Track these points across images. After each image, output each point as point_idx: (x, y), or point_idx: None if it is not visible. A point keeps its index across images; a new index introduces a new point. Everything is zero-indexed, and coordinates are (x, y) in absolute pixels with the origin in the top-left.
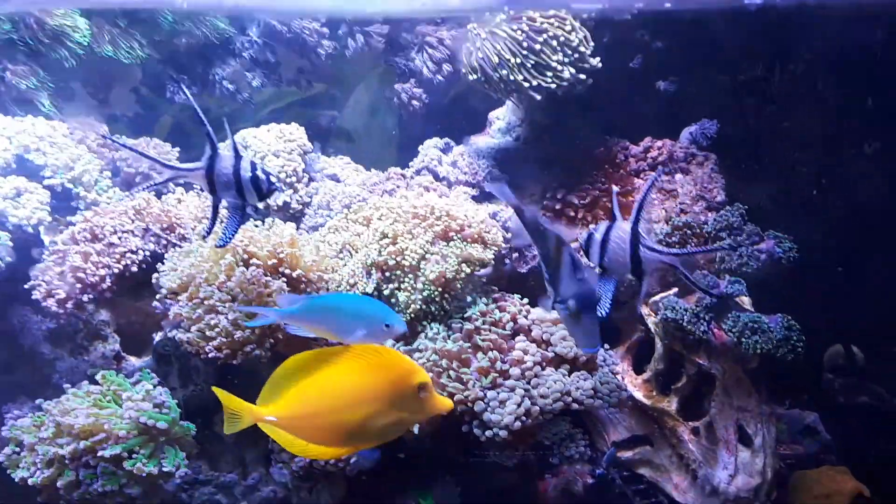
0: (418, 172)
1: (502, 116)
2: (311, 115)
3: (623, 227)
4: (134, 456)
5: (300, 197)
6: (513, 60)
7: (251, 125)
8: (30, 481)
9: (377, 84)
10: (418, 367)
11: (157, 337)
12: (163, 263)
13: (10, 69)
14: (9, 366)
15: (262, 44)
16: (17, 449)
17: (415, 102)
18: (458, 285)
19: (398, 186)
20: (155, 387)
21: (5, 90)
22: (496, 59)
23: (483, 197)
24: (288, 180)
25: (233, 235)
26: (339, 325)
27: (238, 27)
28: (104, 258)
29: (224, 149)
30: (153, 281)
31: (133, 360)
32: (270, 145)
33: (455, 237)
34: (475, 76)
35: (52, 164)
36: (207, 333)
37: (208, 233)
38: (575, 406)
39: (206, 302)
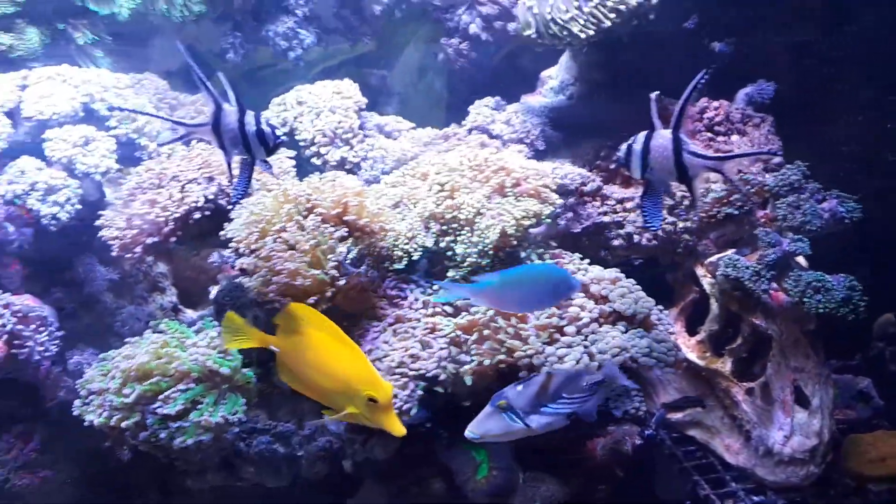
0: (472, 130)
1: (555, 75)
2: (362, 74)
3: (663, 135)
4: (199, 406)
5: (355, 153)
6: (569, 12)
7: (303, 83)
8: (96, 423)
9: (427, 43)
10: (382, 383)
11: (213, 291)
12: (225, 214)
13: (70, 23)
14: (73, 313)
15: (316, 1)
16: (89, 396)
17: (461, 60)
18: (514, 241)
19: (453, 144)
20: (217, 335)
21: (65, 44)
22: (550, 13)
23: (537, 155)
24: (344, 136)
25: (244, 191)
26: (531, 296)
27: None
28: (169, 205)
29: (228, 104)
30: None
31: (189, 313)
32: (327, 101)
33: (511, 192)
34: (529, 31)
35: (117, 113)
36: (272, 282)
37: (234, 200)
38: (630, 363)
39: (268, 250)
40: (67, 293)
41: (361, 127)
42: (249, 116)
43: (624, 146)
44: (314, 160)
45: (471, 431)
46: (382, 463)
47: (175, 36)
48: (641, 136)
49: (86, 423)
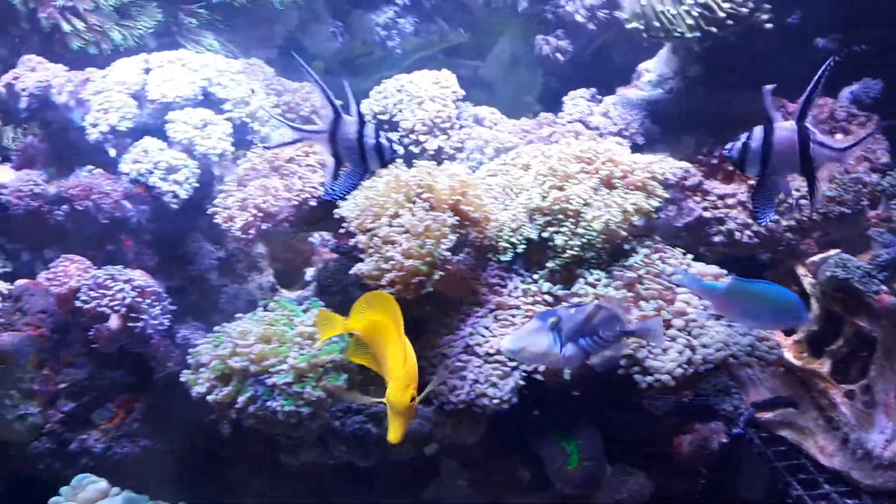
0: (569, 122)
1: (652, 69)
2: (455, 65)
3: (786, 126)
4: (304, 379)
5: (452, 142)
6: (680, 6)
7: (396, 72)
8: (208, 398)
9: (521, 35)
10: (401, 390)
11: (308, 272)
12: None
13: (182, 8)
14: (181, 289)
15: None
16: (197, 368)
17: (558, 55)
18: (622, 234)
19: (552, 133)
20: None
21: (177, 29)
22: (660, 6)
23: (635, 149)
24: (442, 125)
25: (345, 194)
26: (754, 311)
27: None
28: (283, 189)
29: (348, 114)
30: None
31: (284, 293)
32: (427, 90)
33: (618, 184)
34: (636, 23)
35: (233, 97)
36: (382, 266)
37: (328, 194)
38: (732, 360)
39: (380, 234)
40: (176, 270)
41: (458, 117)
42: (369, 129)
43: (738, 143)
44: (412, 148)
45: (511, 343)
46: (469, 447)
47: (276, 23)
48: (759, 130)
49: (194, 395)
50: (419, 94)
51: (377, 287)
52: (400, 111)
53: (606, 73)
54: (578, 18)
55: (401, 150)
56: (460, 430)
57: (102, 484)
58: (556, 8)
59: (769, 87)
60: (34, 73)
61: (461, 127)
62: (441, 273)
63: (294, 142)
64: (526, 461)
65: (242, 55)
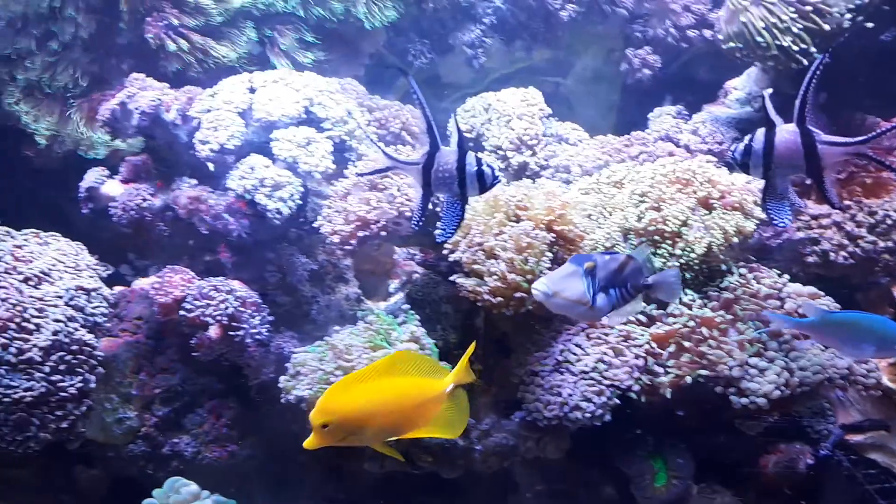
0: (657, 139)
1: (740, 86)
2: (537, 81)
3: (788, 129)
4: None
5: (538, 159)
6: (781, 24)
7: (480, 90)
8: (307, 396)
9: (604, 52)
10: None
11: (391, 284)
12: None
13: (277, 28)
14: (276, 300)
15: (504, 9)
16: (298, 375)
17: (646, 70)
18: (721, 256)
19: (640, 152)
20: (419, 327)
21: (270, 47)
22: (761, 24)
23: (726, 168)
24: (529, 143)
25: (455, 229)
26: (852, 342)
27: None
28: (383, 204)
29: (446, 144)
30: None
31: (369, 303)
32: (515, 108)
33: (716, 205)
34: (733, 43)
35: (332, 116)
36: (485, 278)
37: (417, 224)
38: (827, 384)
39: (482, 250)
40: (270, 280)
41: (545, 134)
42: (471, 157)
43: (740, 145)
44: (499, 163)
45: (544, 286)
46: (553, 462)
47: (364, 41)
48: (760, 133)
49: (291, 399)
50: (507, 112)
51: (477, 300)
52: (487, 129)
53: (689, 89)
54: (670, 40)
55: (502, 178)
56: (544, 445)
57: (193, 487)
58: (645, 27)
59: (768, 90)
60: (147, 93)
61: (547, 144)
62: None
63: (386, 170)
64: (610, 477)
65: (332, 73)
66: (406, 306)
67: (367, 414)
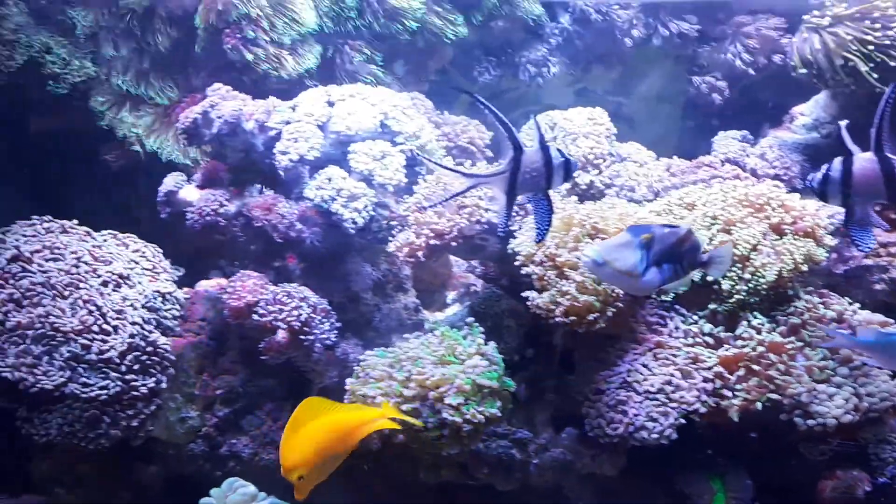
0: (724, 162)
1: (807, 112)
2: (600, 100)
3: (866, 157)
4: (469, 401)
5: (603, 178)
6: (857, 51)
7: (541, 108)
8: (378, 398)
9: (669, 74)
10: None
11: (449, 295)
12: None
13: (349, 43)
14: (341, 306)
15: (571, 30)
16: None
17: (715, 95)
18: (789, 283)
19: (708, 174)
20: (485, 342)
21: (340, 62)
22: (837, 50)
23: (793, 192)
24: (595, 162)
25: (548, 227)
26: None
27: (550, 14)
28: (454, 216)
29: (528, 146)
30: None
31: (426, 313)
32: (581, 127)
33: (788, 230)
34: (805, 69)
35: (405, 131)
36: (557, 299)
37: (503, 230)
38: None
39: (557, 267)
40: (336, 288)
41: (610, 153)
42: (554, 151)
43: (818, 174)
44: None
45: (595, 253)
46: (609, 479)
47: (432, 58)
48: (837, 161)
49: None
50: (573, 131)
51: (549, 318)
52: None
53: (751, 112)
54: (739, 64)
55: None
56: (600, 461)
57: (251, 488)
58: (717, 52)
59: (844, 122)
60: (229, 103)
61: (612, 163)
62: (613, 310)
63: (468, 189)
64: (665, 495)
65: (400, 88)
66: (470, 319)
67: (325, 449)
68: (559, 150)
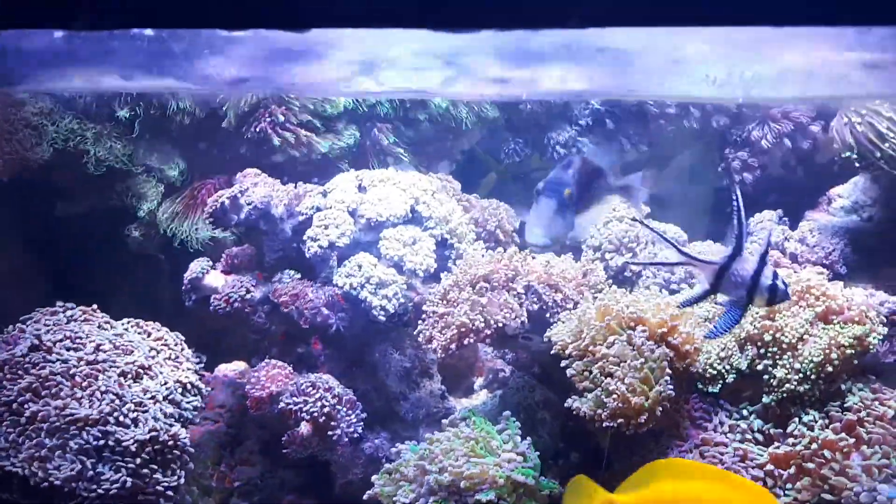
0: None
1: (845, 194)
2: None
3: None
4: (503, 500)
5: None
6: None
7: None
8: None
9: (701, 154)
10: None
11: (477, 381)
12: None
13: (377, 125)
14: (366, 395)
15: (601, 111)
16: (391, 475)
17: (746, 174)
18: (835, 371)
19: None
20: (521, 438)
21: (370, 144)
22: (878, 134)
23: (836, 278)
24: (629, 245)
25: (726, 331)
26: None
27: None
28: (487, 307)
29: (748, 252)
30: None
31: (453, 400)
32: (616, 210)
33: (835, 319)
34: (847, 153)
35: (436, 216)
36: (603, 399)
37: (683, 305)
38: None
39: (598, 364)
40: (361, 375)
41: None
42: (769, 270)
43: None
44: (597, 263)
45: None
46: None
47: (461, 138)
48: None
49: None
50: (607, 215)
51: (594, 422)
52: (584, 228)
53: (783, 194)
54: (764, 144)
55: (793, 297)
56: None
57: None
58: (746, 133)
59: None
60: (260, 189)
61: (647, 245)
62: (661, 409)
63: (676, 264)
64: None
65: (428, 168)
66: (507, 413)
67: None
68: (775, 273)
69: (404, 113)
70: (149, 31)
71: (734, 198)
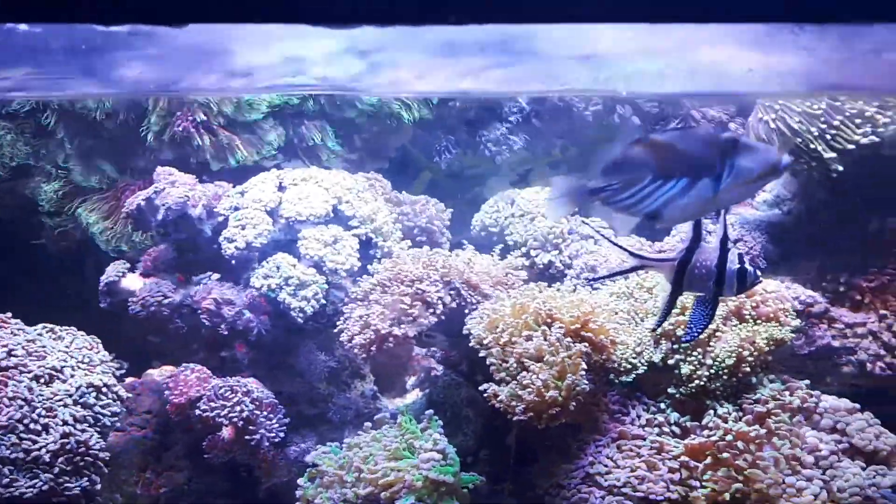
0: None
1: (769, 189)
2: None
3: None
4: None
5: (563, 258)
6: (811, 132)
7: (504, 186)
8: None
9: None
10: None
11: (409, 380)
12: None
13: (305, 124)
14: (292, 398)
15: (529, 110)
16: (315, 479)
17: None
18: (748, 369)
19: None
20: (441, 436)
21: (298, 142)
22: (792, 130)
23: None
24: (554, 241)
25: (702, 330)
26: None
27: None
28: (410, 305)
29: (709, 241)
30: (466, 331)
31: (385, 400)
32: (539, 206)
33: (748, 315)
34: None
35: (360, 215)
36: (518, 392)
37: (658, 324)
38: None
39: (514, 356)
40: (287, 378)
41: (570, 232)
42: (733, 255)
43: None
44: (522, 260)
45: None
46: None
47: (392, 137)
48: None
49: None
50: (531, 210)
51: (509, 414)
52: (512, 225)
53: None
54: None
55: (762, 279)
56: None
57: None
58: (666, 127)
59: None
60: (175, 189)
61: (572, 242)
62: (574, 404)
63: (633, 269)
64: None
65: (359, 167)
66: (430, 412)
67: None
68: (740, 255)
69: (334, 111)
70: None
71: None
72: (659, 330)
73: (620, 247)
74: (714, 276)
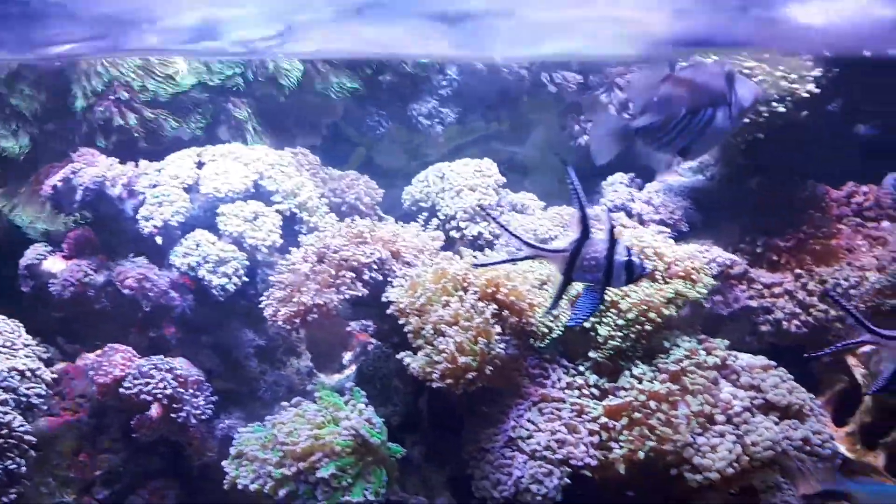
0: (611, 210)
1: None
2: (494, 150)
3: None
4: (343, 474)
5: (492, 229)
6: None
7: (437, 159)
8: (251, 488)
9: (558, 122)
10: None
11: (346, 356)
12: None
13: (231, 100)
14: (221, 376)
15: (459, 82)
16: (240, 458)
17: (585, 137)
18: (651, 327)
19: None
20: (367, 406)
21: (224, 119)
22: None
23: (680, 237)
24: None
25: (588, 315)
26: None
27: (439, 66)
28: (335, 276)
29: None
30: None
31: (322, 377)
32: (468, 179)
33: (660, 275)
34: None
35: (283, 190)
36: (434, 358)
37: (549, 312)
38: (782, 457)
39: (431, 323)
40: (216, 356)
41: (499, 204)
42: (621, 247)
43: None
44: (453, 233)
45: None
46: None
47: (322, 113)
48: None
49: (239, 487)
50: (460, 183)
51: (426, 381)
52: (441, 199)
53: (641, 156)
54: (611, 111)
55: (650, 267)
56: None
57: None
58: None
59: None
60: (91, 169)
61: (501, 213)
62: (491, 367)
63: (525, 258)
64: None
65: (289, 144)
66: (350, 384)
67: None
68: (628, 249)
69: (259, 88)
70: None
71: (570, 180)
72: (549, 317)
73: (516, 236)
74: (603, 268)
